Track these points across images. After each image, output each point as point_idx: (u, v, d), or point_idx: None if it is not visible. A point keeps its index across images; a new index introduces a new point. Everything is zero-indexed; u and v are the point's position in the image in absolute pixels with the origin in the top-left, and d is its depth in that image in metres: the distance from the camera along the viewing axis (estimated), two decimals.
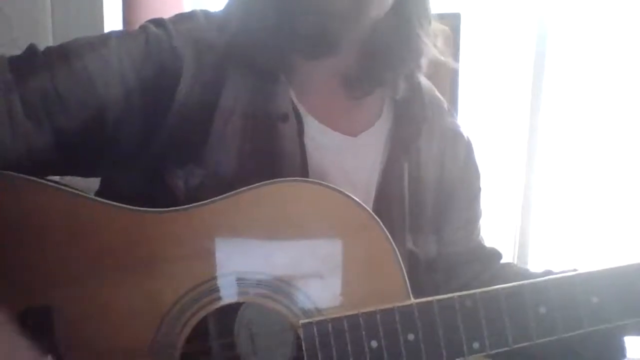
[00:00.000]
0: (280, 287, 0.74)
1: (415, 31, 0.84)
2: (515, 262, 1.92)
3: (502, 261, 1.00)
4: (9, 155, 0.72)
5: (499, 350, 0.72)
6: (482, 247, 0.99)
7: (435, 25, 0.89)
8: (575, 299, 0.73)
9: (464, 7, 1.74)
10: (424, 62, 0.87)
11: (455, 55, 1.64)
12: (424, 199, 0.90)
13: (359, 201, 0.74)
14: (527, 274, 0.91)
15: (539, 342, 0.73)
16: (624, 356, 0.79)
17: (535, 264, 1.99)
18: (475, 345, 0.72)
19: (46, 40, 1.38)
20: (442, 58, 0.88)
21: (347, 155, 0.85)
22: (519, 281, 0.74)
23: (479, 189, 0.99)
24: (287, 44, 0.81)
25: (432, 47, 0.86)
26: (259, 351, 0.79)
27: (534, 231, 2.04)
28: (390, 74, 0.86)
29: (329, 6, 0.77)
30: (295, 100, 0.83)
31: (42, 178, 0.74)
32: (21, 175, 0.72)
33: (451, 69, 0.95)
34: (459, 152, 0.95)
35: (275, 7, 0.79)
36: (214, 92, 0.80)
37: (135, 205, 0.73)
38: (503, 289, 0.73)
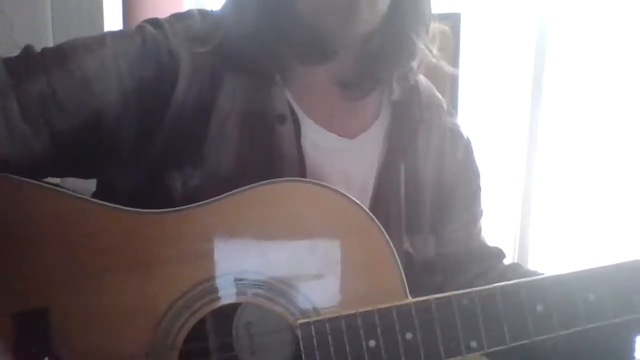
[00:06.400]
0: (278, 287, 0.74)
1: (410, 35, 0.84)
2: (516, 262, 1.91)
3: (503, 261, 1.00)
4: (6, 157, 0.72)
5: (497, 348, 0.73)
6: (484, 245, 0.99)
7: (435, 26, 0.89)
8: (572, 296, 0.73)
9: (464, 7, 1.75)
10: (416, 64, 0.87)
11: (456, 55, 1.64)
12: (422, 200, 0.90)
13: (358, 202, 0.74)
14: (535, 275, 0.91)
15: (537, 340, 0.73)
16: (633, 357, 0.80)
17: (535, 264, 1.99)
18: (473, 343, 0.72)
19: (46, 40, 1.39)
20: (435, 61, 0.88)
21: (345, 157, 0.85)
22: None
23: (479, 188, 0.99)
24: (283, 48, 0.82)
25: (426, 51, 0.86)
26: (257, 351, 0.79)
27: (534, 231, 2.04)
28: (385, 74, 0.86)
29: (323, 21, 0.78)
30: (292, 102, 0.83)
31: (40, 180, 0.74)
32: (18, 177, 0.72)
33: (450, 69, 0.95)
34: (458, 152, 0.95)
35: (270, 15, 0.79)
36: (211, 92, 0.80)
37: (132, 207, 0.73)
38: (500, 287, 0.73)
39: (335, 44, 0.81)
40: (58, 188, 0.74)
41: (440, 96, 0.97)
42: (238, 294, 0.74)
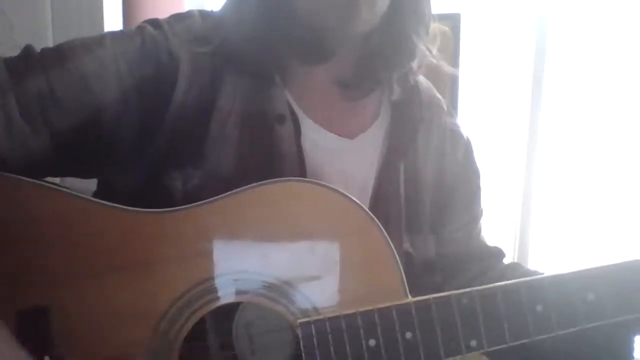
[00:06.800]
0: (278, 287, 0.74)
1: (410, 36, 0.84)
2: (516, 261, 1.91)
3: (503, 261, 1.00)
4: (5, 156, 0.72)
5: (497, 347, 0.73)
6: (484, 245, 1.00)
7: (435, 26, 0.89)
8: (571, 296, 0.73)
9: (464, 7, 1.75)
10: (416, 65, 0.87)
11: (456, 56, 1.64)
12: (421, 199, 0.90)
13: (358, 202, 0.74)
14: (535, 275, 0.91)
15: (537, 339, 0.73)
16: (632, 357, 0.80)
17: (535, 264, 1.99)
18: (473, 342, 0.72)
19: (46, 40, 1.39)
20: (435, 62, 0.89)
21: (345, 157, 0.85)
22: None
23: (479, 188, 0.99)
24: (282, 48, 0.82)
25: (426, 52, 0.86)
26: (257, 351, 0.79)
27: (534, 231, 2.04)
28: (384, 75, 0.86)
29: (323, 21, 0.78)
30: (292, 102, 0.83)
31: (39, 179, 0.74)
32: (17, 176, 0.72)
33: (450, 69, 0.95)
34: (458, 152, 0.95)
35: (269, 16, 0.80)
36: (211, 93, 0.80)
37: (132, 207, 0.73)
38: (500, 286, 0.73)
39: (334, 44, 0.81)
40: (57, 187, 0.74)
41: (440, 97, 0.97)
42: (238, 293, 0.74)
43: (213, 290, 0.73)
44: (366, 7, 0.76)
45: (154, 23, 0.82)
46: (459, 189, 0.95)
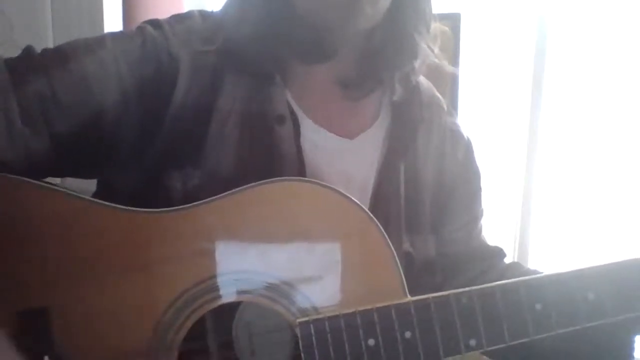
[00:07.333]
0: (278, 286, 0.74)
1: (411, 35, 0.84)
2: (516, 261, 1.91)
3: (503, 260, 1.00)
4: (6, 157, 0.72)
5: (496, 347, 0.73)
6: (485, 245, 0.99)
7: (436, 26, 0.89)
8: (571, 295, 0.73)
9: (464, 7, 1.75)
10: (418, 64, 0.87)
11: (456, 55, 1.64)
12: (422, 199, 0.90)
13: (358, 202, 0.74)
14: (535, 274, 0.91)
15: (536, 339, 0.73)
16: (632, 356, 0.80)
17: (535, 264, 1.99)
18: (472, 342, 0.72)
19: (46, 40, 1.39)
20: (437, 61, 0.89)
21: (344, 157, 0.85)
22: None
23: (479, 187, 0.99)
24: (283, 48, 0.82)
25: (428, 51, 0.86)
26: (257, 351, 0.79)
27: (534, 231, 2.04)
28: (386, 75, 0.86)
29: (323, 20, 0.78)
30: (292, 102, 0.83)
31: (40, 179, 0.74)
32: (17, 176, 0.72)
33: (451, 69, 0.95)
34: (458, 152, 0.95)
35: (270, 16, 0.80)
36: (211, 93, 0.80)
37: (132, 207, 0.73)
38: (499, 285, 0.73)
39: (335, 43, 0.81)
40: (57, 188, 0.74)
41: (440, 96, 0.97)
42: (237, 293, 0.74)
43: (213, 290, 0.73)
44: (369, 6, 0.76)
45: (154, 23, 0.82)
46: (459, 189, 0.95)
